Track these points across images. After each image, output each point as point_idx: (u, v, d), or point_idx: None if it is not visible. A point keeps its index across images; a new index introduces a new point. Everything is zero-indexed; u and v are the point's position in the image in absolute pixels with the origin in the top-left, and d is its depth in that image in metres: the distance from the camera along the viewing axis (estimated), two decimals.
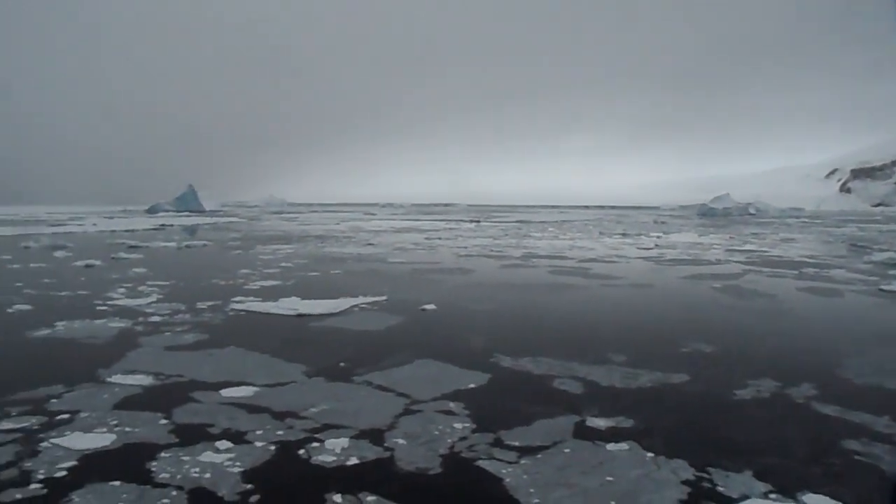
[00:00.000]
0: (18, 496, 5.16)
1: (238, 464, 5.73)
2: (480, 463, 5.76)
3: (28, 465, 5.74)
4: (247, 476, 5.49)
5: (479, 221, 75.80)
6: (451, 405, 7.36)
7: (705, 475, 5.51)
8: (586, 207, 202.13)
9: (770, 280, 20.08)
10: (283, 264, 23.62)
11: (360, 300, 14.86)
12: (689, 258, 27.20)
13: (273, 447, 6.14)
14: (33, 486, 5.34)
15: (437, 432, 6.51)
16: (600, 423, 6.80)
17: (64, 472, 5.58)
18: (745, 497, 5.13)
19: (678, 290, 18.40)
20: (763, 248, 32.96)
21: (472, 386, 8.19)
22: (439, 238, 40.97)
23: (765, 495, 5.17)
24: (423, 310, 13.82)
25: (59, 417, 6.93)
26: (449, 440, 6.30)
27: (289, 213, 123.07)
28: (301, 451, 6.03)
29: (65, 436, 6.39)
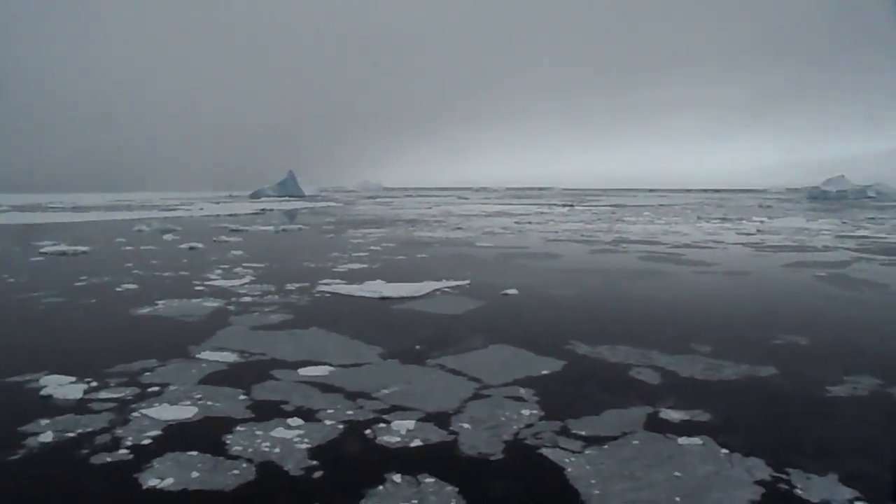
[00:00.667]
0: (108, 460, 5.56)
1: (306, 440, 5.92)
2: (544, 451, 5.67)
3: (119, 432, 6.16)
4: (313, 452, 5.65)
5: (572, 205, 74.55)
6: (521, 391, 7.29)
7: (783, 476, 5.18)
8: (688, 191, 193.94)
9: (883, 269, 18.63)
10: (372, 248, 24.13)
11: (443, 284, 14.95)
12: (793, 245, 25.64)
13: (341, 426, 6.30)
14: (121, 451, 5.73)
15: (503, 418, 6.47)
16: (674, 415, 6.54)
17: (149, 441, 5.96)
18: (827, 503, 4.78)
19: (777, 278, 17.39)
20: (879, 235, 30.57)
21: (544, 372, 8.08)
22: (529, 222, 40.62)
23: (849, 503, 4.81)
24: (505, 294, 13.74)
25: (150, 389, 7.39)
26: (514, 426, 6.24)
27: (383, 197, 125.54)
28: (367, 431, 6.15)
29: (153, 407, 6.81)
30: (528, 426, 6.25)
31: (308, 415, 6.57)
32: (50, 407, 6.88)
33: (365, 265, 18.95)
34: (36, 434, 6.11)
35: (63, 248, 23.48)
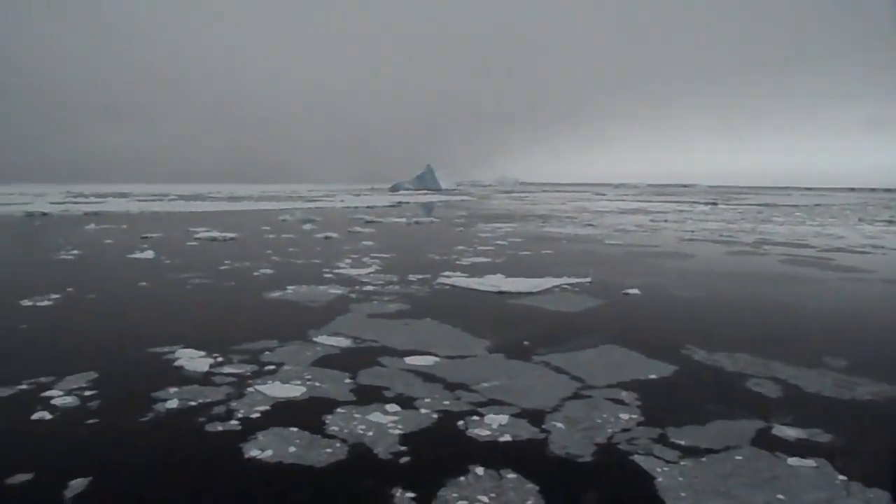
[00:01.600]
0: (219, 429, 6.04)
1: (399, 427, 6.08)
2: (636, 458, 5.44)
3: (233, 404, 6.66)
4: (403, 438, 5.80)
5: (715, 203, 70.53)
6: (624, 394, 7.04)
7: None
8: (851, 190, 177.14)
9: None
10: (499, 242, 24.21)
11: (563, 281, 14.71)
12: None
13: (435, 415, 6.41)
14: (232, 422, 6.19)
15: (599, 420, 6.28)
16: (789, 433, 6.03)
17: (257, 415, 6.39)
18: None
19: None
20: None
21: (652, 376, 7.74)
22: (665, 220, 38.93)
23: None
24: (626, 294, 13.30)
25: (266, 368, 7.91)
26: (610, 430, 6.04)
27: (519, 192, 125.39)
28: (460, 423, 6.21)
29: (267, 384, 7.29)
30: (625, 431, 6.03)
31: (406, 402, 6.74)
32: (179, 377, 7.56)
33: (488, 259, 19.05)
34: (164, 400, 6.75)
35: (214, 234, 25.61)
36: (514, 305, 12.28)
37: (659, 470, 5.20)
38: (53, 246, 22.13)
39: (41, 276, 16.03)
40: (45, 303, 12.06)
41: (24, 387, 7.17)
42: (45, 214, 42.18)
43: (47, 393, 6.95)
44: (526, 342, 9.29)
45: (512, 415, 6.41)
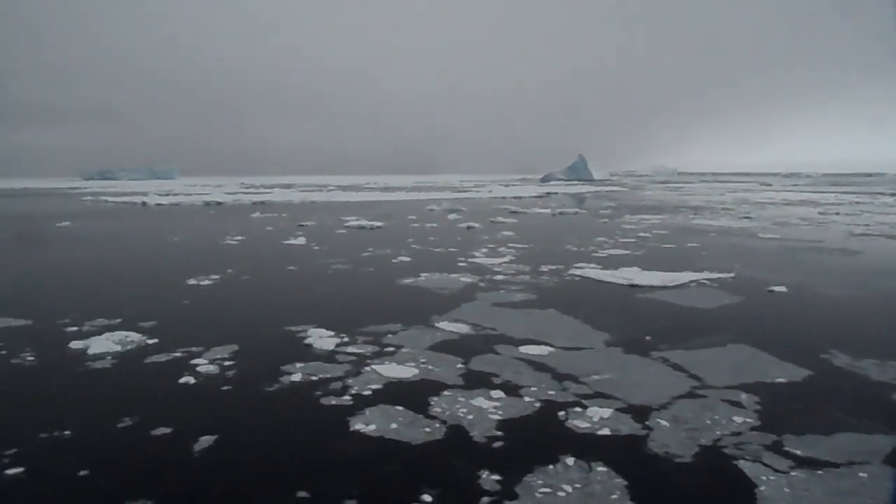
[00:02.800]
0: (332, 402, 6.50)
1: (500, 413, 6.19)
2: (741, 463, 5.15)
3: (349, 381, 7.11)
4: (501, 424, 5.91)
5: None
6: (743, 396, 6.64)
7: None
8: None
9: None
10: (641, 234, 23.39)
11: (702, 275, 13.98)
12: None
13: (538, 404, 6.44)
14: (345, 397, 6.63)
15: (709, 421, 6.00)
16: None
17: (369, 392, 6.78)
18: None
19: None
20: None
21: (780, 380, 7.22)
22: (837, 213, 35.41)
23: None
24: (771, 291, 12.39)
25: (386, 349, 8.34)
26: (718, 432, 5.75)
27: (675, 182, 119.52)
28: (561, 413, 6.20)
29: (383, 364, 7.69)
30: (735, 434, 5.72)
31: (511, 389, 6.84)
32: (307, 353, 8.18)
33: (627, 251, 18.52)
34: (290, 374, 7.36)
35: (363, 223, 27.00)
36: (643, 299, 11.89)
37: (764, 478, 4.90)
38: (221, 232, 24.49)
39: (207, 258, 17.85)
40: (206, 282, 13.46)
41: (177, 354, 8.12)
42: (219, 204, 46.69)
43: (195, 361, 7.83)
44: (648, 337, 8.99)
45: (616, 409, 6.29)
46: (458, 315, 10.32)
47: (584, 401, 6.53)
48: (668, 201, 50.46)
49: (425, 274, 14.27)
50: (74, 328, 9.47)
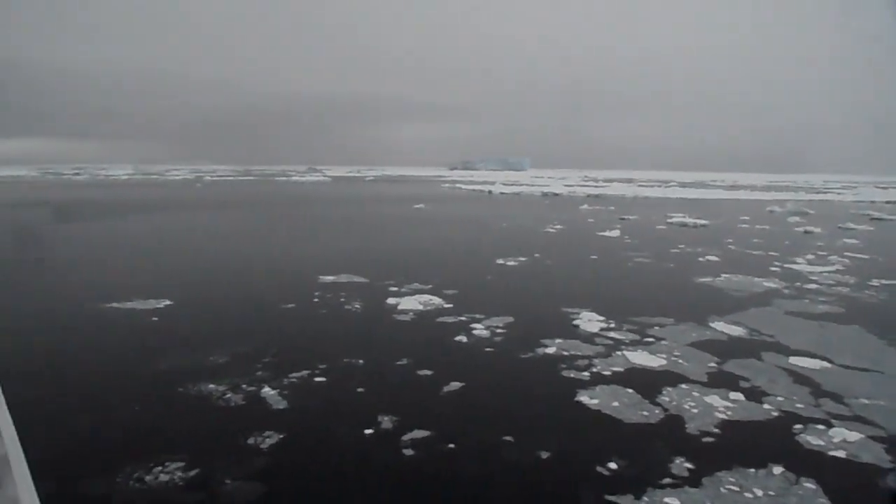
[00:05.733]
0: (571, 376, 7.09)
1: (728, 413, 6.09)
2: None
3: (595, 361, 7.63)
4: (723, 423, 5.85)
5: None
6: None
7: None
8: None
9: None
10: None
11: None
12: None
13: (776, 413, 6.14)
14: (584, 373, 7.20)
15: None
16: None
17: (609, 373, 7.21)
18: None
19: None
20: None
21: None
22: None
23: None
24: None
25: (646, 339, 8.59)
26: None
27: None
28: (797, 426, 5.84)
29: (635, 351, 8.01)
30: None
31: (755, 395, 6.61)
32: (570, 332, 8.89)
33: None
34: (546, 347, 8.18)
35: (687, 220, 26.23)
36: None
37: None
38: (546, 220, 26.25)
39: (522, 242, 19.52)
40: (512, 263, 14.96)
41: (462, 318, 9.57)
42: (556, 195, 49.25)
43: (473, 325, 9.18)
44: None
45: (869, 436, 5.70)
46: (738, 318, 9.92)
47: (833, 420, 6.03)
48: None
49: (726, 274, 13.71)
50: (395, 288, 11.66)
